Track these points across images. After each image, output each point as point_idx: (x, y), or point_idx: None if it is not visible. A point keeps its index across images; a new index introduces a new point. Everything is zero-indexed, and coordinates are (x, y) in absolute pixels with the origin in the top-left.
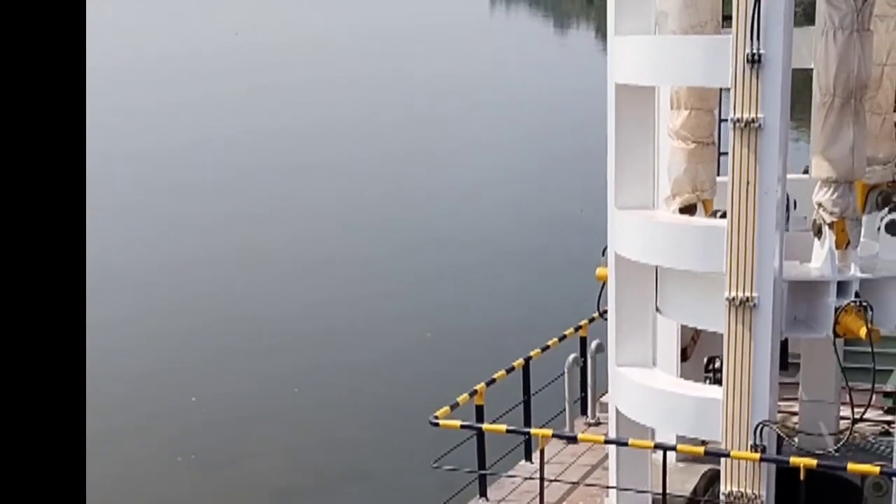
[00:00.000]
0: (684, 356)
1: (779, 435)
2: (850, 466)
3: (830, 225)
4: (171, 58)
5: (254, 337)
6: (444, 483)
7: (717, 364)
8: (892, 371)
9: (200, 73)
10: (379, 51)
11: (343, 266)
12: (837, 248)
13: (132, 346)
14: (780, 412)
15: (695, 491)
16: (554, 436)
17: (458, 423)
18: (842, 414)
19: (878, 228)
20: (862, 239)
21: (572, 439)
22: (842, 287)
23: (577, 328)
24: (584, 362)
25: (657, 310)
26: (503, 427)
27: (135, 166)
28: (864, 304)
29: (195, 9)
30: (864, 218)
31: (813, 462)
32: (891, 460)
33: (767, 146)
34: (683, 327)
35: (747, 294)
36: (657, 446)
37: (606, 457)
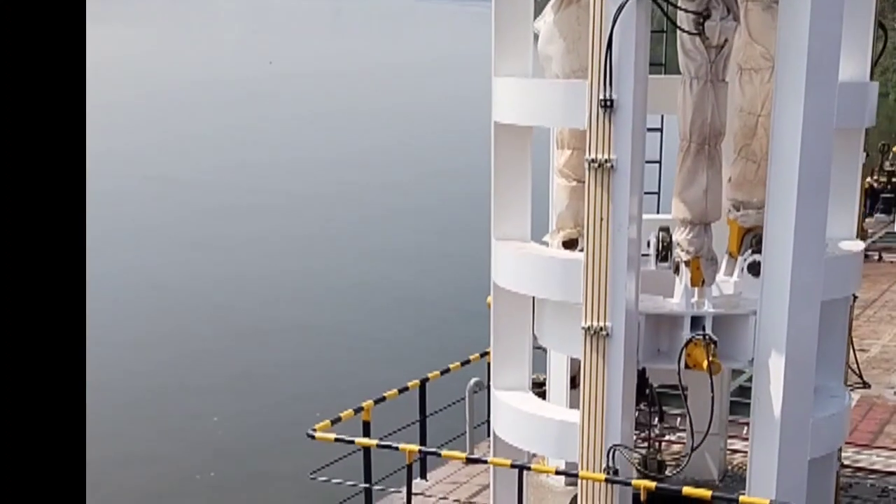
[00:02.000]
0: (574, 384)
1: (659, 461)
2: (685, 490)
3: (686, 263)
4: (207, 85)
5: None
6: (328, 498)
7: None
8: None
9: (235, 99)
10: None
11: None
12: (693, 285)
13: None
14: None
15: None
16: (420, 451)
17: (332, 436)
18: (731, 446)
19: (741, 269)
20: (735, 278)
21: (436, 455)
22: (695, 322)
23: (483, 354)
24: (488, 386)
25: (534, 337)
26: (374, 442)
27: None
28: (708, 337)
29: (231, 38)
30: (739, 259)
31: (652, 484)
32: None
33: (620, 186)
34: (573, 357)
35: (601, 324)
36: (513, 465)
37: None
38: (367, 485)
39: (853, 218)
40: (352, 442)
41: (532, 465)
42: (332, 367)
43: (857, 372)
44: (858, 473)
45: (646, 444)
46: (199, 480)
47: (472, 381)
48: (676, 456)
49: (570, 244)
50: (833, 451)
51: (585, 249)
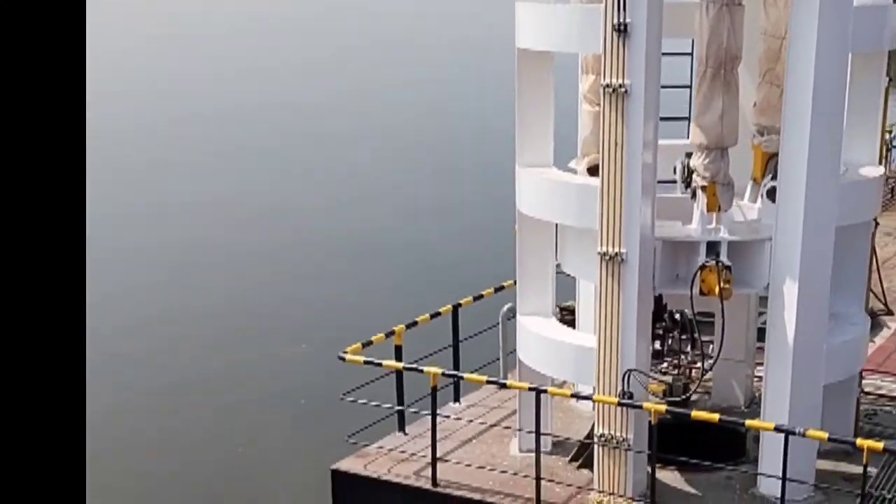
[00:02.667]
0: None
1: (684, 386)
2: (694, 414)
3: (703, 189)
4: None
5: None
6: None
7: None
8: None
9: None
10: None
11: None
12: (709, 211)
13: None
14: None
15: (587, 435)
16: (444, 374)
17: (361, 358)
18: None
19: (761, 195)
20: (758, 205)
21: (459, 379)
22: (711, 248)
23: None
24: None
25: (557, 264)
26: (400, 364)
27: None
28: (720, 263)
29: None
30: (761, 185)
31: (662, 408)
32: None
33: (634, 111)
34: None
35: (616, 249)
36: (530, 389)
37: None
38: (400, 407)
39: (875, 143)
40: (380, 364)
41: (549, 389)
42: (366, 296)
43: (883, 299)
44: (883, 401)
45: (676, 371)
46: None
47: (506, 307)
48: (706, 382)
49: (594, 170)
50: (852, 377)
51: (601, 175)
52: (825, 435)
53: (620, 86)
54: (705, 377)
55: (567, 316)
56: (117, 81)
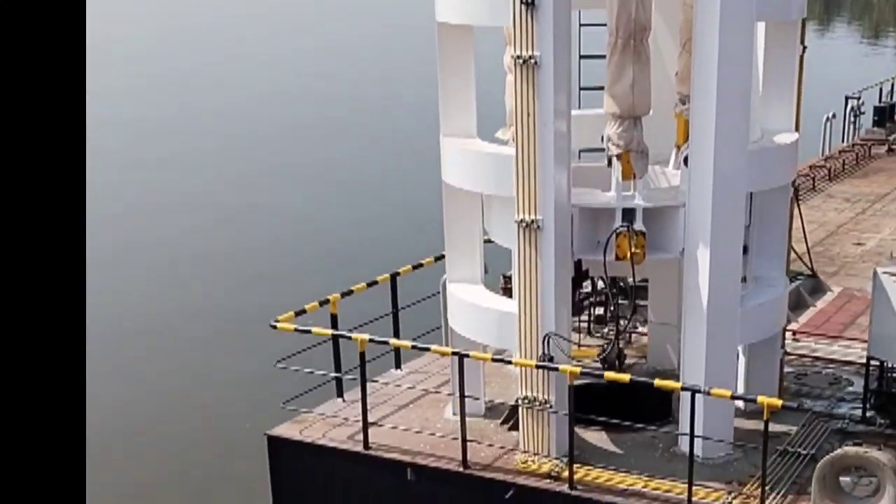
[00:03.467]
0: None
1: (619, 351)
2: (606, 375)
3: (618, 157)
4: None
5: None
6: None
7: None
8: None
9: None
10: None
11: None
12: (624, 178)
13: None
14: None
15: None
16: (370, 341)
17: (292, 326)
18: None
19: (680, 161)
20: (679, 171)
21: (384, 344)
22: (627, 214)
23: None
24: None
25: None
26: (329, 331)
27: None
28: (631, 228)
29: None
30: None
31: (577, 370)
32: None
33: (544, 82)
34: None
35: (533, 217)
36: (453, 353)
37: None
38: (336, 374)
39: (791, 110)
40: (309, 331)
41: (471, 353)
42: (303, 267)
43: (808, 263)
44: (816, 362)
45: (613, 336)
46: None
47: (446, 276)
48: (643, 346)
49: None
50: (773, 337)
51: (515, 145)
52: (728, 392)
53: (530, 57)
54: (643, 342)
55: (508, 285)
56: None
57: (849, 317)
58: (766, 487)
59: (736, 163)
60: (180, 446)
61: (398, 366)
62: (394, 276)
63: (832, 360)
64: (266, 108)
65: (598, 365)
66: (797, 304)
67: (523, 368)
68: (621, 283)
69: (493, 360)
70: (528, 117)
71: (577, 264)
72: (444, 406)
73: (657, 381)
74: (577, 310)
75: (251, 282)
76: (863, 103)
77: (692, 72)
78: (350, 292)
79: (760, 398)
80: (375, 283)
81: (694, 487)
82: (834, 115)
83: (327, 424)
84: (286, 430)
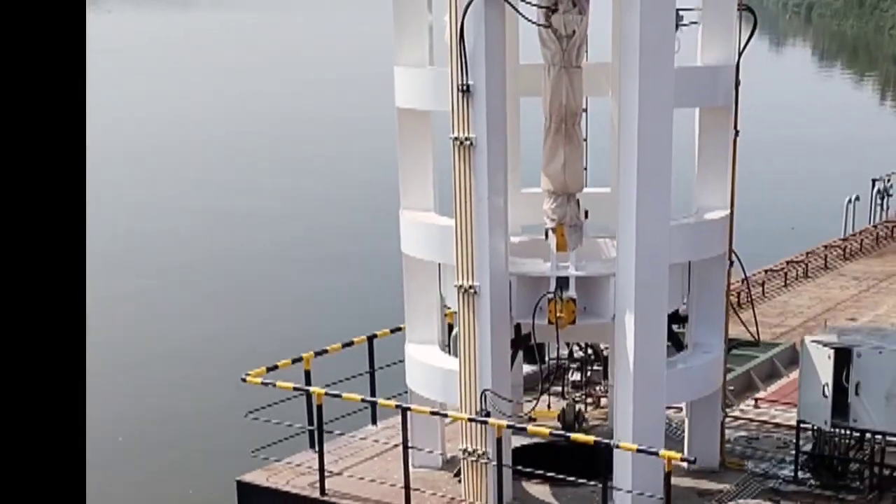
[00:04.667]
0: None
1: (576, 413)
2: (530, 429)
3: (553, 230)
4: None
5: None
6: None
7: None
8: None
9: None
10: None
11: None
12: (558, 250)
13: None
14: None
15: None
16: (327, 393)
17: (259, 380)
18: None
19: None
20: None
21: (338, 397)
22: (560, 282)
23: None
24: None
25: (441, 297)
26: (290, 384)
27: None
28: (558, 295)
29: None
30: None
31: (504, 423)
32: None
33: (479, 161)
34: None
35: (470, 283)
36: (397, 406)
37: None
38: (310, 427)
39: (726, 187)
40: (274, 385)
41: (412, 407)
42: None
43: (753, 331)
44: (774, 427)
45: (587, 399)
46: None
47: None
48: (604, 409)
49: None
50: (711, 398)
51: (454, 217)
52: (634, 447)
53: (466, 138)
54: (605, 404)
55: None
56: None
57: None
58: None
59: (658, 237)
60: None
61: (374, 422)
62: (371, 338)
63: (783, 426)
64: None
65: (556, 423)
66: (771, 374)
67: (463, 423)
68: (600, 350)
69: (431, 413)
70: (465, 192)
71: (517, 329)
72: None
73: (573, 436)
74: (557, 375)
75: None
76: (891, 185)
77: (619, 155)
78: (325, 351)
79: (663, 452)
80: (351, 343)
81: None
82: (857, 198)
83: (294, 472)
84: (255, 477)
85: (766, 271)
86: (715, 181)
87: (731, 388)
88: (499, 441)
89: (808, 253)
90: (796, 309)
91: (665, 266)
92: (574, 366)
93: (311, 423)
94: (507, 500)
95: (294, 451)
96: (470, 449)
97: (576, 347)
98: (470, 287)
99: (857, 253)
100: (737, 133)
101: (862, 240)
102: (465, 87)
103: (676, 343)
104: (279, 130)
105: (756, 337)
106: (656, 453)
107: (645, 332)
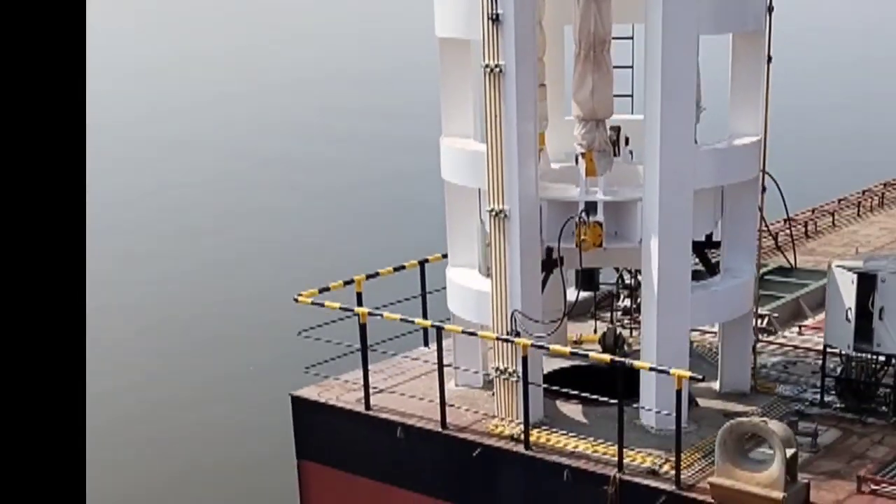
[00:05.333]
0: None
1: (616, 336)
2: (552, 348)
3: (582, 155)
4: None
5: None
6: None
7: None
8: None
9: None
10: None
11: None
12: (587, 175)
13: None
14: None
15: None
16: (370, 313)
17: (311, 300)
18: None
19: None
20: None
21: (380, 316)
22: (590, 207)
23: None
24: None
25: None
26: (336, 304)
27: None
28: (586, 220)
29: None
30: None
31: (528, 342)
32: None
33: (509, 88)
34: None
35: (501, 206)
36: (432, 325)
37: None
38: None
39: (758, 114)
40: (322, 305)
41: (445, 326)
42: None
43: (788, 256)
44: (808, 352)
45: (627, 324)
46: None
47: None
48: None
49: None
50: (742, 321)
51: (486, 143)
52: (646, 365)
53: (497, 66)
54: None
55: None
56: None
57: None
58: (689, 454)
59: (681, 161)
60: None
61: (426, 343)
62: (422, 263)
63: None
64: None
65: (597, 347)
66: (821, 302)
67: (495, 342)
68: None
69: (462, 332)
70: (496, 119)
71: (549, 252)
72: (450, 378)
73: (591, 355)
74: (607, 301)
75: None
76: None
77: (645, 82)
78: (376, 274)
79: (673, 370)
80: (403, 267)
81: (636, 452)
82: None
83: (343, 389)
84: (308, 392)
85: (839, 200)
86: (747, 107)
87: (777, 315)
88: (524, 359)
89: (885, 184)
90: (863, 239)
91: (689, 190)
92: (625, 292)
93: (364, 343)
94: (538, 418)
95: (348, 370)
96: (501, 367)
97: (626, 274)
98: (501, 211)
99: None
100: (769, 59)
101: None
102: (494, 16)
103: (709, 267)
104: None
105: (792, 263)
106: (667, 371)
107: (669, 255)
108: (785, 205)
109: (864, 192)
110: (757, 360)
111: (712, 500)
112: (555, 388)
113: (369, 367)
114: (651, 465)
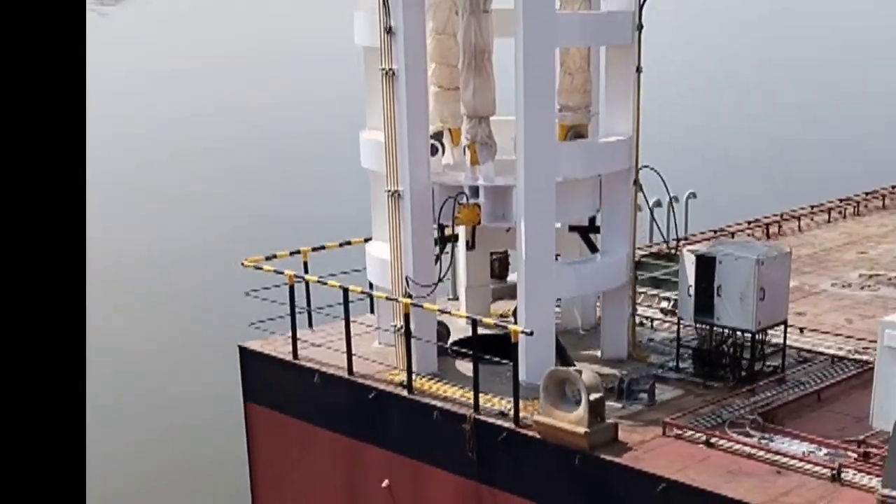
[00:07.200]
0: (468, 245)
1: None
2: (426, 306)
3: (468, 147)
4: None
5: None
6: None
7: None
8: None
9: None
10: None
11: None
12: (472, 164)
13: None
14: None
15: None
16: (294, 276)
17: (254, 264)
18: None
19: None
20: None
21: (311, 282)
22: (472, 191)
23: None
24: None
25: None
26: (272, 268)
27: None
28: (462, 202)
29: None
30: None
31: (408, 302)
32: None
33: (399, 89)
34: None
35: (396, 188)
36: (340, 287)
37: None
38: (310, 308)
39: (629, 117)
40: (260, 269)
41: (350, 287)
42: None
43: (667, 238)
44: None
45: None
46: None
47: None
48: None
49: (437, 135)
50: (618, 295)
51: (384, 132)
52: (518, 328)
53: (391, 70)
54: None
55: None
56: None
57: None
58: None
59: (543, 154)
60: None
61: (372, 311)
62: (367, 240)
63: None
64: None
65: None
66: None
67: (393, 303)
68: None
69: (362, 292)
70: (391, 113)
71: (441, 229)
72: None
73: (454, 312)
74: None
75: None
76: None
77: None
78: (323, 247)
79: (511, 327)
80: (349, 243)
81: (498, 399)
82: None
83: (285, 343)
84: (252, 344)
85: (811, 206)
86: (619, 110)
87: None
88: (406, 316)
89: (867, 193)
90: (815, 241)
91: (552, 179)
92: None
93: (308, 305)
94: (432, 370)
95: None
96: (395, 324)
97: None
98: (395, 191)
99: None
100: (640, 70)
101: None
102: (388, 28)
103: (592, 247)
104: None
105: (668, 243)
106: (505, 327)
107: (535, 235)
108: (667, 191)
109: (841, 201)
110: (636, 332)
111: (538, 435)
112: (454, 348)
113: (317, 328)
114: (502, 408)
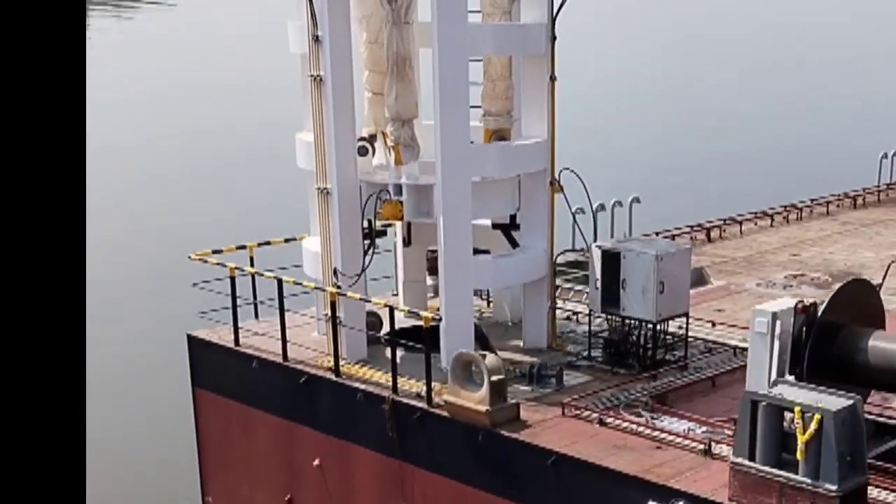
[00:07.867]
0: (405, 242)
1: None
2: (350, 294)
3: (394, 147)
4: None
5: None
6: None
7: None
8: None
9: None
10: None
11: None
12: (395, 164)
13: None
14: None
15: None
16: (236, 268)
17: (201, 258)
18: None
19: None
20: None
21: (246, 274)
22: (396, 189)
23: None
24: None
25: None
26: (215, 260)
27: None
28: (385, 198)
29: None
30: None
31: (333, 290)
32: None
33: (326, 93)
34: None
35: (324, 185)
36: (275, 278)
37: None
38: (258, 300)
39: (544, 122)
40: (205, 261)
41: (284, 278)
42: None
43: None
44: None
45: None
46: None
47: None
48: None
49: (371, 138)
50: (537, 288)
51: (313, 133)
52: (405, 310)
53: (318, 75)
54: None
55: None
56: None
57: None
58: None
59: (457, 156)
60: None
61: None
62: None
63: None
64: None
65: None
66: None
67: (322, 292)
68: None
69: (296, 283)
70: (319, 115)
71: (370, 224)
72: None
73: (374, 301)
74: None
75: None
76: None
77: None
78: (268, 243)
79: (423, 314)
80: (294, 238)
81: (415, 381)
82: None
83: (230, 331)
84: (199, 333)
85: (755, 213)
86: (534, 115)
87: None
88: (332, 304)
89: (812, 199)
90: (754, 244)
91: (467, 179)
92: None
93: (254, 296)
94: (361, 357)
95: (246, 319)
96: (328, 314)
97: None
98: (324, 189)
99: (873, 204)
100: (554, 78)
101: (887, 193)
102: (315, 37)
103: (512, 242)
104: None
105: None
106: (417, 314)
107: (452, 230)
108: (588, 196)
109: (784, 207)
110: (556, 324)
111: (447, 414)
112: (386, 336)
113: (262, 319)
114: (418, 390)
